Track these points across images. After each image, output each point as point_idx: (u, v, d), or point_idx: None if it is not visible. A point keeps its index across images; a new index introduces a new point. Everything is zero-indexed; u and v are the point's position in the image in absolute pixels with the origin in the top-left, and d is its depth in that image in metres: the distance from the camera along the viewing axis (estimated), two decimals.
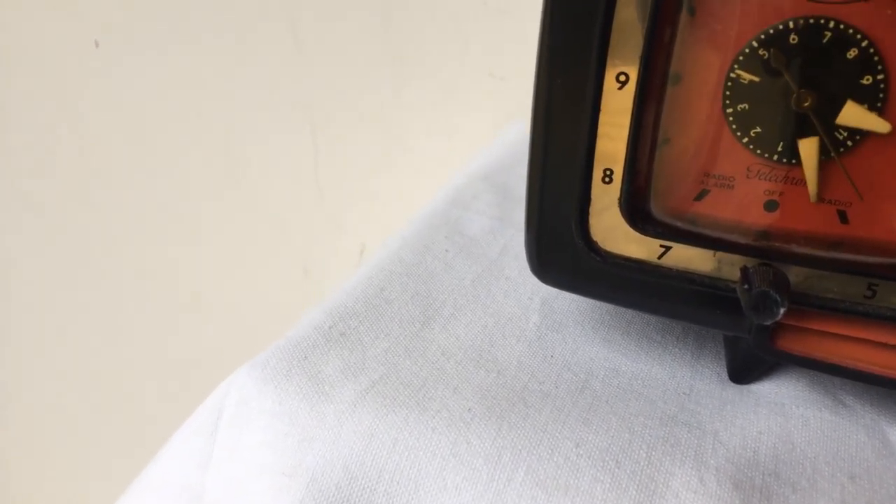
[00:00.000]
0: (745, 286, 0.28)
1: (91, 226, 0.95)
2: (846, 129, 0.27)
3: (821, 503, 0.28)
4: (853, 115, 0.26)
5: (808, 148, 0.27)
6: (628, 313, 0.38)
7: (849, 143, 0.27)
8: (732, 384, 0.34)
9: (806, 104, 0.27)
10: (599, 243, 0.31)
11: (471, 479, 0.28)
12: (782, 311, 0.27)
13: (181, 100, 0.82)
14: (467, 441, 0.29)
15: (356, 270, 0.41)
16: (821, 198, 0.29)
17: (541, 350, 0.35)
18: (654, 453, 0.29)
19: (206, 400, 0.34)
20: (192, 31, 0.78)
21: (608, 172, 0.30)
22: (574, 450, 0.29)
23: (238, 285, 0.90)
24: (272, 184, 0.83)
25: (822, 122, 0.27)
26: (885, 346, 0.29)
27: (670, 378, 0.34)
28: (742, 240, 0.30)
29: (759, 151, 0.28)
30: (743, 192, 0.29)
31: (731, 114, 0.28)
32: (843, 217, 0.29)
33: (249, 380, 0.32)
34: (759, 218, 0.30)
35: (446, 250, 0.43)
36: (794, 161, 0.28)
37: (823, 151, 0.27)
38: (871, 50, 0.26)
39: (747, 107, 0.28)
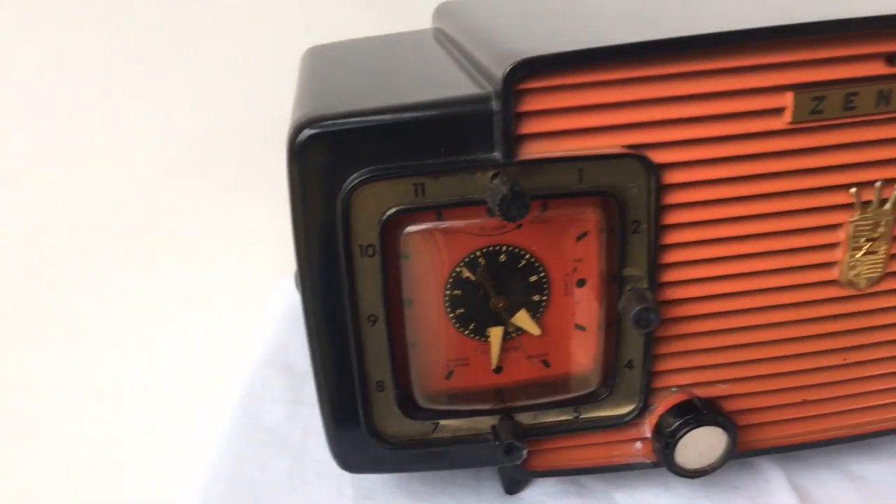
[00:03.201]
0: (497, 442, 0.38)
1: None
2: (516, 326, 0.38)
3: None
4: (523, 319, 0.38)
5: (496, 334, 0.38)
6: None
7: (513, 334, 0.39)
8: (508, 495, 0.44)
9: (500, 306, 0.38)
10: (385, 434, 0.40)
11: None
12: (524, 453, 0.38)
13: None
14: None
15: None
16: (528, 356, 0.40)
17: None
18: None
19: None
20: None
21: (380, 383, 0.38)
22: None
23: None
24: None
25: (507, 317, 0.38)
26: (594, 444, 0.41)
27: None
28: (486, 404, 0.40)
29: (476, 337, 0.39)
30: (475, 365, 0.40)
31: (452, 316, 0.38)
32: (546, 364, 0.40)
33: None
34: (492, 380, 0.40)
35: (256, 451, 0.49)
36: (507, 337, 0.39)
37: (505, 334, 0.38)
38: (534, 261, 0.37)
39: (463, 310, 0.38)
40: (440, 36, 0.47)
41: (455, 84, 0.36)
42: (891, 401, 0.42)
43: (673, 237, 0.36)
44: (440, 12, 0.49)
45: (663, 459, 0.39)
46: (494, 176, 0.34)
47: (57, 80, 0.68)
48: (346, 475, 0.46)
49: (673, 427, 0.39)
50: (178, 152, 0.70)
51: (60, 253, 0.75)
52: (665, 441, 0.39)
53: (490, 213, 0.34)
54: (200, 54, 0.68)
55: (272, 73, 0.63)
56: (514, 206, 0.32)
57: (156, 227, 0.74)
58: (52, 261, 0.75)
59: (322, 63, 0.46)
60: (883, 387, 0.42)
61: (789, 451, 0.43)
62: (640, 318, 0.35)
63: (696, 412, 0.39)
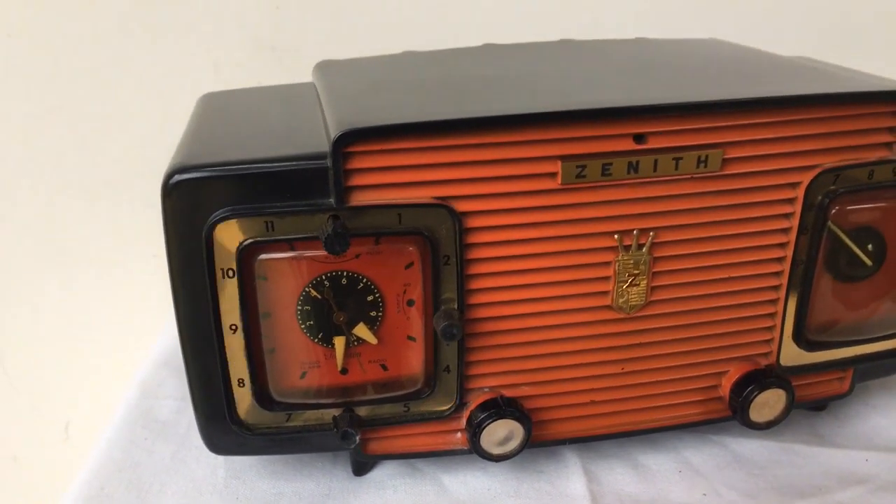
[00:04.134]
0: (335, 429, 0.47)
1: None
2: (357, 336, 0.47)
3: None
4: (362, 330, 0.47)
5: (339, 342, 0.47)
6: None
7: (355, 343, 0.48)
8: (356, 476, 0.53)
9: (341, 319, 0.47)
10: (246, 423, 0.48)
11: None
12: (357, 439, 0.47)
13: None
14: None
15: (75, 469, 0.54)
16: (368, 360, 0.49)
17: (228, 496, 0.51)
18: None
19: None
20: None
21: (241, 380, 0.47)
22: None
23: None
24: None
25: (347, 330, 0.47)
26: (425, 434, 0.51)
27: (317, 487, 0.52)
28: (334, 399, 0.49)
29: (324, 344, 0.48)
30: (325, 367, 0.49)
31: (303, 327, 0.47)
32: (385, 367, 0.50)
33: None
34: (339, 379, 0.49)
35: (145, 438, 0.57)
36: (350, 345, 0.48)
37: (347, 343, 0.47)
38: (370, 283, 0.47)
39: (311, 323, 0.47)
40: (315, 91, 0.56)
41: (308, 141, 0.45)
42: (664, 403, 0.53)
43: (475, 269, 0.46)
44: (317, 70, 0.58)
45: (472, 446, 0.49)
46: (329, 218, 0.43)
47: None
48: (221, 459, 0.54)
49: (479, 419, 0.48)
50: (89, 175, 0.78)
51: None
52: (473, 430, 0.48)
53: (326, 250, 0.42)
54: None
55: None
56: (336, 244, 0.41)
57: (72, 239, 0.81)
58: None
59: (208, 110, 0.54)
60: (656, 392, 0.52)
61: (583, 442, 0.53)
62: (445, 332, 0.45)
63: (497, 407, 0.48)
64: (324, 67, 0.59)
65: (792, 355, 0.53)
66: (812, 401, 0.56)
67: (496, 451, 0.49)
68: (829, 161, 0.48)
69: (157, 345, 0.70)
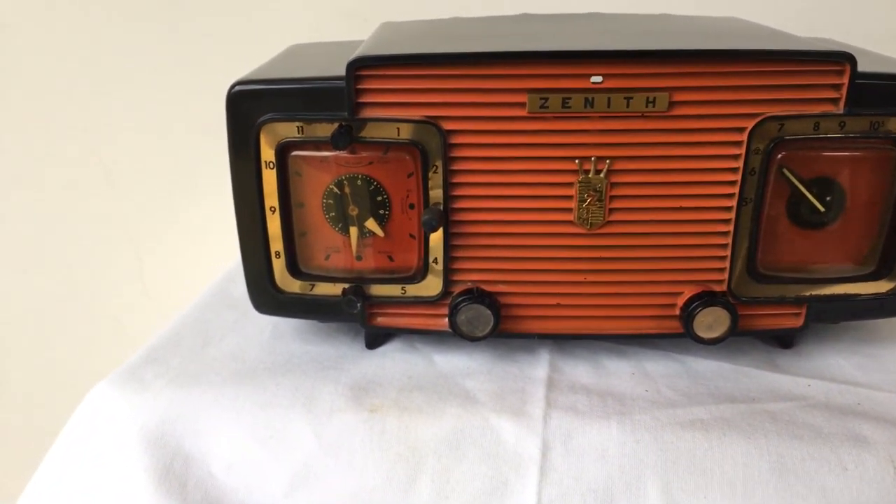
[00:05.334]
0: (343, 296, 0.61)
1: None
2: (368, 229, 0.60)
3: (391, 391, 0.60)
4: (372, 224, 0.60)
5: (353, 231, 0.60)
6: (319, 324, 0.69)
7: (367, 234, 0.60)
8: (368, 349, 0.66)
9: (354, 212, 0.60)
10: (281, 287, 0.63)
11: (223, 410, 0.58)
12: (359, 306, 0.60)
13: None
14: (221, 395, 0.59)
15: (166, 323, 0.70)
16: (378, 251, 0.62)
17: (267, 349, 0.66)
18: (315, 382, 0.60)
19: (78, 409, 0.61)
20: None
21: (277, 252, 0.61)
22: (275, 387, 0.60)
23: None
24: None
25: (360, 222, 0.60)
26: (418, 315, 0.63)
27: (336, 352, 0.66)
28: (349, 275, 0.62)
29: (343, 233, 0.61)
30: (344, 252, 0.62)
31: (327, 217, 0.61)
32: (391, 258, 0.62)
33: (107, 387, 0.60)
34: (355, 264, 0.62)
35: (219, 307, 0.73)
36: (363, 236, 0.61)
37: (360, 233, 0.60)
38: (380, 186, 0.59)
39: (334, 214, 0.61)
40: None
41: (335, 69, 0.58)
42: (624, 314, 0.62)
43: (458, 178, 0.58)
44: (378, 27, 0.72)
45: (450, 325, 0.61)
46: (339, 124, 0.56)
47: None
48: (270, 326, 0.69)
49: (455, 303, 0.60)
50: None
51: None
52: (451, 311, 0.60)
53: (331, 144, 0.56)
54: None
55: None
56: (339, 140, 0.54)
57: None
58: None
59: (286, 52, 0.69)
60: (616, 303, 0.61)
61: (550, 338, 0.64)
62: (426, 223, 0.57)
63: (471, 295, 0.60)
64: (383, 25, 0.72)
65: (743, 285, 0.60)
66: (766, 330, 0.63)
67: (469, 332, 0.60)
68: (774, 111, 0.55)
69: None
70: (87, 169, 1.08)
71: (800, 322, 0.62)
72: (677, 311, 0.61)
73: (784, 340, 0.66)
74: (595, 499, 0.52)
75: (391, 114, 0.56)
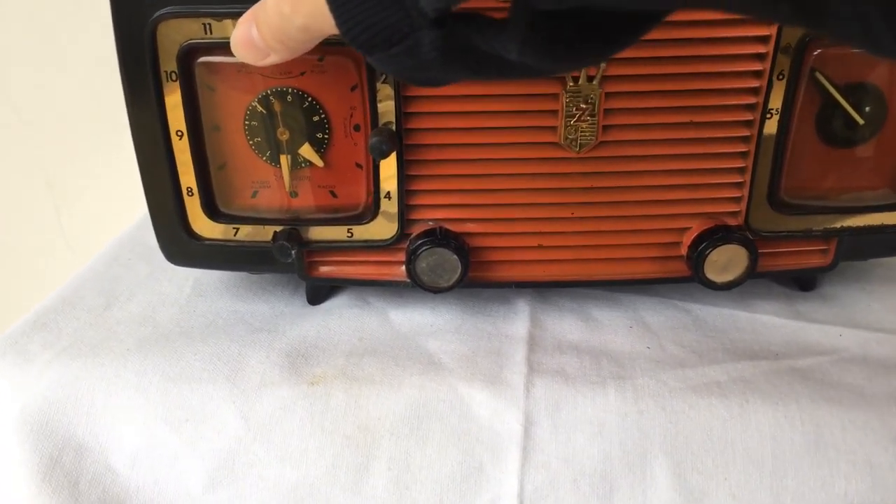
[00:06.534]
0: (274, 242, 0.49)
1: None
2: (303, 157, 0.48)
3: (338, 357, 0.49)
4: (308, 151, 0.48)
5: (284, 161, 0.48)
6: (253, 276, 0.58)
7: (302, 164, 0.48)
8: (310, 305, 0.55)
9: (284, 137, 0.48)
10: (197, 233, 0.50)
11: (126, 387, 0.46)
12: (293, 252, 0.48)
13: None
14: (124, 368, 0.47)
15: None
16: (317, 185, 0.50)
17: (185, 310, 0.54)
18: (242, 349, 0.49)
19: None
20: None
21: (189, 190, 0.49)
22: (193, 356, 0.48)
23: None
24: None
25: (292, 149, 0.48)
26: (369, 262, 0.51)
27: (270, 310, 0.54)
28: (282, 216, 0.50)
29: (272, 163, 0.49)
30: (275, 188, 0.50)
31: (251, 143, 0.48)
32: (334, 195, 0.50)
33: None
34: (289, 202, 0.50)
35: (129, 259, 0.60)
36: (297, 167, 0.49)
37: (293, 164, 0.48)
38: (316, 103, 0.47)
39: (259, 139, 0.48)
40: None
41: None
42: (618, 256, 0.51)
43: (414, 90, 0.46)
44: None
45: (407, 273, 0.49)
46: None
47: None
48: (191, 280, 0.57)
49: (413, 247, 0.48)
50: None
51: None
52: (408, 257, 0.49)
53: None
54: None
55: None
56: None
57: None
58: None
59: None
60: (609, 242, 0.51)
61: (529, 287, 0.53)
62: (374, 147, 0.45)
63: (433, 237, 0.48)
64: None
65: (764, 218, 0.50)
66: (788, 271, 0.53)
67: (429, 281, 0.49)
68: None
69: None
70: None
71: (828, 260, 0.52)
72: (684, 251, 0.50)
73: (804, 282, 0.56)
74: (590, 485, 0.42)
75: None
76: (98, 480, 0.44)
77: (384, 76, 0.45)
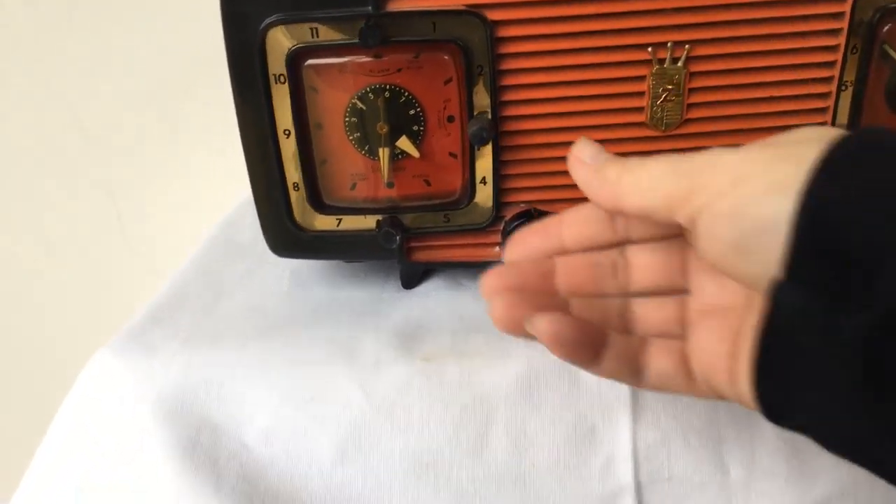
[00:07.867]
0: (379, 230, 0.52)
1: None
2: (400, 149, 0.51)
3: (444, 335, 0.51)
4: (405, 143, 0.51)
5: (384, 153, 0.51)
6: (344, 265, 0.61)
7: (399, 156, 0.51)
8: (405, 289, 0.58)
9: (383, 131, 0.51)
10: (302, 225, 0.53)
11: (250, 370, 0.49)
12: (398, 240, 0.51)
13: None
14: (245, 354, 0.50)
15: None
16: (412, 175, 0.53)
17: (289, 299, 0.57)
18: (352, 332, 0.52)
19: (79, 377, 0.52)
20: None
21: (295, 185, 0.52)
22: (307, 341, 0.51)
23: None
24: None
25: (390, 143, 0.51)
26: (465, 245, 0.54)
27: (369, 295, 0.57)
28: (380, 206, 0.53)
29: (370, 157, 0.52)
30: (372, 180, 0.53)
31: (351, 139, 0.51)
32: (428, 183, 0.53)
33: (109, 356, 0.51)
34: (386, 192, 0.53)
35: (223, 258, 0.63)
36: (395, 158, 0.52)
37: (392, 155, 0.51)
38: (412, 97, 0.50)
39: (359, 135, 0.51)
40: None
41: None
42: None
43: (508, 80, 0.48)
44: None
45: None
46: (366, 22, 0.46)
47: None
48: (288, 271, 0.60)
49: (509, 229, 0.51)
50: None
51: None
52: (504, 237, 0.52)
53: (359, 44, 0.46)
54: None
55: None
56: (368, 36, 0.44)
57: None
58: None
59: None
60: None
61: None
62: (475, 135, 0.48)
63: (529, 217, 0.51)
64: None
65: None
66: None
67: None
68: None
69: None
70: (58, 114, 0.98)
71: None
72: None
73: None
74: (700, 440, 0.45)
75: (424, 5, 0.46)
76: (235, 456, 0.47)
77: (480, 69, 0.48)
